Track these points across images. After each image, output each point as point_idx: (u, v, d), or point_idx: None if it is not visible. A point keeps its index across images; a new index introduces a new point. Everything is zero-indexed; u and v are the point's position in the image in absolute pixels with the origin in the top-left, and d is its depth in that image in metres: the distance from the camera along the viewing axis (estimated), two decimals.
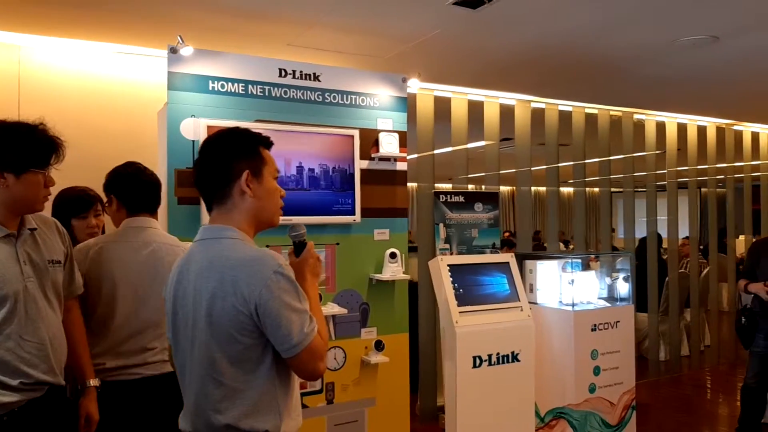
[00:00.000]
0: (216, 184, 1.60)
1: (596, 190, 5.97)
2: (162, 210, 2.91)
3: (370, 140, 3.22)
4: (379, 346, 3.17)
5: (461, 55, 3.96)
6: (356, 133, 3.12)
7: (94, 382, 2.06)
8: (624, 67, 4.30)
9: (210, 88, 2.87)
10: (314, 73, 3.11)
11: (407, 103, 3.41)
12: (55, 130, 1.94)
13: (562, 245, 8.26)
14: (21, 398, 1.77)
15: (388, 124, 3.29)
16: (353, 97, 3.20)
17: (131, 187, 2.35)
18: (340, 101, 3.17)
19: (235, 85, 2.92)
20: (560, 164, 5.48)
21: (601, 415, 3.73)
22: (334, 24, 3.31)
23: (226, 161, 1.59)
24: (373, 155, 3.22)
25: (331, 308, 3.02)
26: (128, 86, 3.59)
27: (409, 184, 3.47)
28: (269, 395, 1.53)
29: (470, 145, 4.95)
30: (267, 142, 1.66)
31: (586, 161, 5.65)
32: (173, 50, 2.74)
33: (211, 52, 2.87)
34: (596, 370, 3.73)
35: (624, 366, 3.84)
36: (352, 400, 3.16)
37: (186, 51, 2.73)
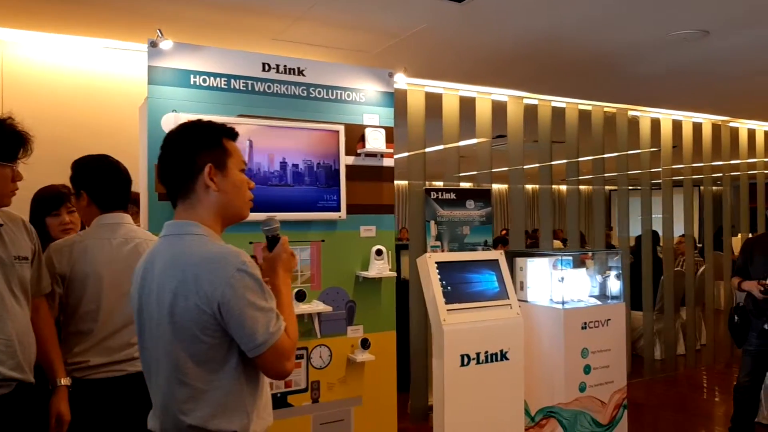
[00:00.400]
0: (179, 179, 1.55)
1: (590, 188, 5.92)
2: (142, 206, 2.89)
3: (356, 136, 3.18)
4: (365, 344, 3.13)
5: (450, 50, 3.92)
6: (341, 129, 3.08)
7: (64, 381, 2.03)
8: (616, 63, 4.27)
9: (191, 83, 2.82)
10: (299, 68, 3.06)
11: (397, 100, 3.37)
12: (24, 124, 1.90)
13: (560, 243, 8.21)
14: None
15: (374, 119, 3.24)
16: (338, 92, 3.16)
17: (107, 183, 2.31)
18: (325, 96, 3.13)
19: (218, 79, 2.88)
20: (554, 162, 5.44)
21: (591, 414, 3.69)
22: (320, 18, 3.27)
23: (188, 155, 1.54)
24: (359, 151, 3.18)
25: (316, 306, 2.98)
26: (111, 81, 3.56)
27: (400, 182, 3.44)
28: (236, 395, 1.49)
29: (462, 143, 4.91)
30: (231, 133, 1.62)
31: (580, 159, 5.61)
32: (153, 44, 2.70)
33: (193, 46, 2.83)
34: (586, 369, 3.69)
35: (615, 365, 3.81)
36: (338, 398, 3.11)
37: (165, 45, 2.69)
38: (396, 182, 6.09)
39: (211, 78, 2.87)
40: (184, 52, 2.80)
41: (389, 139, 3.25)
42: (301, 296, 2.93)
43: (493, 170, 5.12)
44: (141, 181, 2.88)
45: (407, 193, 4.92)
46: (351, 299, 3.16)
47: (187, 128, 1.60)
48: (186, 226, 1.53)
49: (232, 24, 3.32)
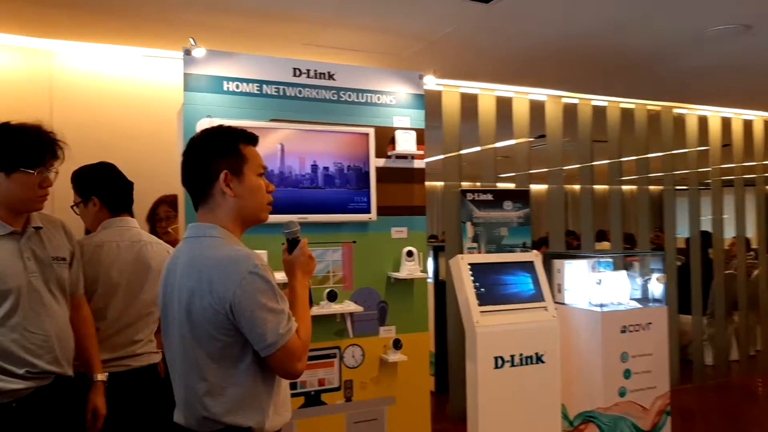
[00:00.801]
0: (197, 185, 1.62)
1: (634, 188, 5.77)
2: (180, 209, 3.00)
3: (386, 138, 3.20)
4: (397, 344, 3.14)
5: (481, 51, 3.90)
6: (371, 131, 3.10)
7: (101, 376, 2.12)
8: (655, 60, 4.15)
9: (225, 89, 2.90)
10: (329, 72, 3.11)
11: (432, 101, 3.38)
12: (59, 129, 1.99)
13: (608, 244, 8.02)
14: (28, 386, 1.85)
15: (404, 121, 3.26)
16: (368, 95, 3.19)
17: (116, 188, 2.49)
18: (355, 99, 3.16)
19: (250, 85, 2.95)
20: (595, 162, 5.33)
21: (632, 419, 3.60)
22: (348, 23, 3.32)
23: (205, 162, 1.59)
24: (389, 153, 3.20)
25: (348, 306, 3.01)
26: (151, 88, 3.71)
27: (435, 183, 3.45)
28: (252, 392, 1.53)
29: (499, 144, 4.87)
30: (249, 138, 1.66)
31: (623, 159, 5.47)
32: (187, 52, 2.79)
33: (225, 53, 2.91)
34: (627, 374, 3.60)
35: (657, 370, 3.70)
36: (371, 398, 3.13)
37: (198, 52, 2.78)
38: (433, 183, 6.11)
39: (244, 84, 2.94)
40: (217, 59, 2.89)
41: (420, 140, 3.26)
42: (332, 296, 2.97)
43: (531, 171, 5.06)
44: (180, 185, 2.98)
45: (442, 194, 4.90)
46: (383, 300, 3.18)
47: (204, 136, 1.66)
48: (204, 229, 1.58)
49: (263, 31, 3.40)
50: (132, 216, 2.57)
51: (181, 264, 1.58)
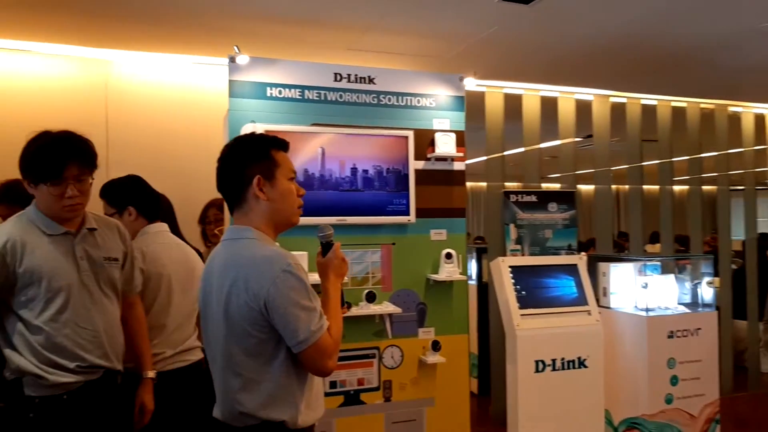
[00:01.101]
0: (232, 189, 1.68)
1: (686, 188, 5.59)
2: (226, 211, 3.10)
3: (426, 141, 3.22)
4: (435, 346, 3.15)
5: (523, 52, 3.87)
6: (410, 134, 3.13)
7: (150, 373, 2.22)
8: (706, 57, 4.03)
9: (268, 95, 2.98)
10: (369, 76, 3.15)
11: (475, 103, 3.37)
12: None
13: (660, 247, 7.79)
14: (78, 379, 1.95)
15: (444, 124, 3.27)
16: (408, 98, 3.21)
17: (149, 197, 2.65)
18: (395, 103, 3.19)
19: (292, 90, 3.02)
20: (645, 163, 5.20)
21: (679, 427, 3.51)
22: (390, 27, 3.35)
23: (239, 168, 1.66)
24: (429, 155, 3.21)
25: (386, 307, 3.05)
26: (200, 94, 3.87)
27: (480, 184, 3.45)
28: (285, 387, 1.58)
29: (544, 145, 4.82)
30: (281, 144, 1.71)
31: (674, 159, 5.32)
32: (232, 59, 2.88)
33: (269, 60, 2.99)
34: (673, 380, 3.51)
35: (706, 376, 3.59)
36: (410, 399, 3.16)
37: (242, 60, 2.87)
38: (478, 184, 6.03)
39: (286, 89, 3.02)
40: (261, 66, 2.97)
41: (460, 142, 3.26)
42: (371, 297, 3.01)
43: (578, 172, 4.98)
44: None
45: (486, 196, 4.88)
46: (422, 301, 3.20)
47: (238, 142, 1.73)
48: (241, 231, 1.65)
49: (306, 37, 3.48)
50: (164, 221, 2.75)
51: (218, 265, 1.65)
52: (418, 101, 3.24)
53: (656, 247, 6.96)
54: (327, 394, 3.00)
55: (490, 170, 4.69)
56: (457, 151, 3.23)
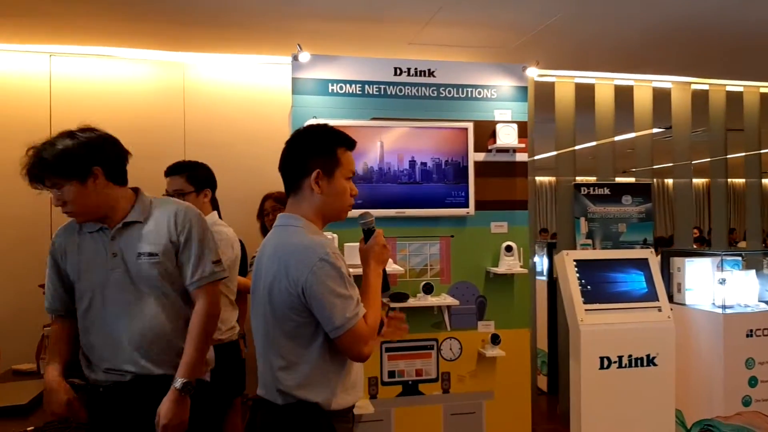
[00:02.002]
0: (291, 175, 1.73)
1: None
2: None
3: (487, 132, 3.20)
4: (495, 339, 3.14)
5: (589, 39, 3.74)
6: (470, 126, 3.13)
7: (178, 383, 1.87)
8: None
9: (330, 91, 3.07)
10: (429, 70, 3.17)
11: (545, 93, 3.30)
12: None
13: (744, 243, 7.33)
14: (108, 379, 1.91)
15: (506, 115, 3.24)
16: (468, 90, 3.21)
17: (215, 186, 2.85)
18: (455, 95, 3.20)
19: (353, 86, 3.10)
20: (730, 156, 4.90)
21: (757, 431, 3.31)
22: (449, 20, 3.35)
23: (302, 157, 1.71)
24: (490, 147, 3.20)
25: (444, 299, 3.07)
26: (267, 93, 4.03)
27: (548, 178, 3.39)
28: (322, 370, 1.65)
29: (618, 138, 4.64)
30: (349, 143, 1.75)
31: (764, 151, 4.98)
32: (295, 57, 2.99)
33: (330, 57, 3.07)
34: (752, 381, 3.32)
35: None
36: (469, 391, 3.17)
37: (304, 57, 2.97)
38: (547, 178, 5.86)
39: (347, 85, 3.09)
40: (323, 63, 3.06)
41: (523, 133, 3.22)
42: (428, 289, 3.04)
43: (657, 165, 4.77)
44: None
45: (556, 190, 4.77)
46: (481, 294, 3.20)
47: (307, 131, 1.77)
48: (289, 219, 1.73)
49: (367, 33, 3.53)
50: None
51: (268, 250, 1.74)
52: (479, 93, 3.23)
53: (741, 243, 6.55)
54: (385, 384, 3.07)
55: (560, 163, 4.58)
56: (519, 142, 3.20)
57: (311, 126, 1.81)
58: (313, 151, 1.72)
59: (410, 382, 3.11)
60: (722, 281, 3.38)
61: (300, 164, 1.71)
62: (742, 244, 5.92)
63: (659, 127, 4.92)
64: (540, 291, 5.04)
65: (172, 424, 1.84)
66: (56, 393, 1.89)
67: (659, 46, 3.89)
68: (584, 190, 4.51)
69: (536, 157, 4.65)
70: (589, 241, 4.49)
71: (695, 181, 5.02)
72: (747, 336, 3.31)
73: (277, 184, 3.03)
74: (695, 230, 7.92)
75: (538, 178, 10.62)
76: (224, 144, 3.93)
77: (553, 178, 6.70)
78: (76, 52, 3.86)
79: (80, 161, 1.83)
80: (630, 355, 3.17)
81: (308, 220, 1.72)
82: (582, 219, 4.47)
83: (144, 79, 3.96)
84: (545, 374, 5.21)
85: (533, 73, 3.26)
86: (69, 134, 1.86)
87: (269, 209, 3.45)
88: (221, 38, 3.68)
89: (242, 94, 4.04)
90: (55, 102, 3.85)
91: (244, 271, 3.14)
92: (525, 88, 3.29)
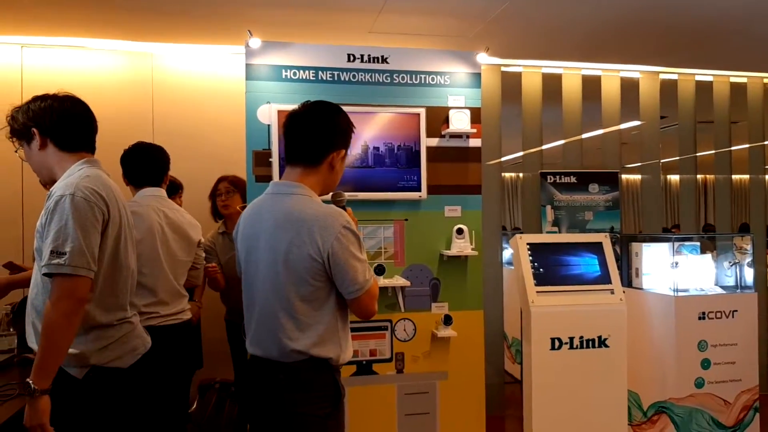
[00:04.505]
0: (314, 149, 1.84)
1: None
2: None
3: (441, 118, 3.26)
4: (447, 320, 3.19)
5: (547, 26, 3.77)
6: (422, 111, 3.18)
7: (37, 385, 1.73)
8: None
9: (283, 76, 3.13)
10: (382, 56, 3.23)
11: (513, 84, 3.31)
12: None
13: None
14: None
15: (459, 101, 3.29)
16: (422, 76, 3.26)
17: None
18: (408, 81, 3.25)
19: (306, 72, 3.16)
20: (733, 148, 4.91)
21: (711, 413, 3.36)
22: (398, 8, 3.41)
23: (331, 134, 1.85)
24: (443, 132, 3.26)
25: (396, 280, 3.13)
26: (234, 82, 4.08)
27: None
28: (332, 330, 1.81)
29: (585, 135, 4.69)
30: (354, 128, 1.95)
31: (766, 143, 5.00)
32: (248, 45, 3.06)
33: (284, 44, 3.14)
34: (705, 364, 3.37)
35: (743, 361, 3.42)
36: (423, 371, 3.22)
37: (254, 43, 3.03)
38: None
39: (301, 71, 3.15)
40: (276, 49, 3.12)
41: (476, 119, 3.27)
42: (380, 270, 3.10)
43: (662, 160, 4.80)
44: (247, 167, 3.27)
45: (522, 181, 4.82)
46: (435, 277, 3.25)
47: (339, 109, 1.92)
48: (293, 187, 1.83)
49: (327, 21, 3.61)
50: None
51: (270, 218, 1.81)
52: (433, 79, 3.28)
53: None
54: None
55: (527, 159, 4.63)
56: (472, 127, 3.25)
57: (331, 104, 1.93)
58: (341, 130, 1.89)
59: (364, 362, 3.16)
60: (674, 265, 3.42)
61: (329, 139, 1.85)
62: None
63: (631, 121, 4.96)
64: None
65: (28, 425, 1.71)
66: None
67: (622, 32, 3.90)
68: (550, 179, 4.57)
69: (504, 159, 4.69)
70: (555, 229, 4.55)
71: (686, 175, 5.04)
72: (699, 318, 3.36)
73: (240, 170, 3.07)
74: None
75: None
76: (192, 132, 4.01)
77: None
78: (47, 43, 3.94)
79: (23, 123, 1.94)
80: (581, 337, 3.23)
81: (312, 189, 1.85)
82: (548, 207, 4.53)
83: (114, 69, 4.04)
84: (519, 363, 5.26)
85: (484, 59, 3.32)
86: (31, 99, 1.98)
87: (223, 191, 3.53)
88: (186, 28, 3.76)
89: (208, 83, 4.12)
90: (27, 93, 3.89)
91: None
92: (478, 75, 3.34)
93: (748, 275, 3.54)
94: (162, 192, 2.97)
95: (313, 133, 1.84)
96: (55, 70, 3.97)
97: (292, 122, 1.86)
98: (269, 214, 1.82)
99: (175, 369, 2.85)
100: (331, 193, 2.03)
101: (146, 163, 2.93)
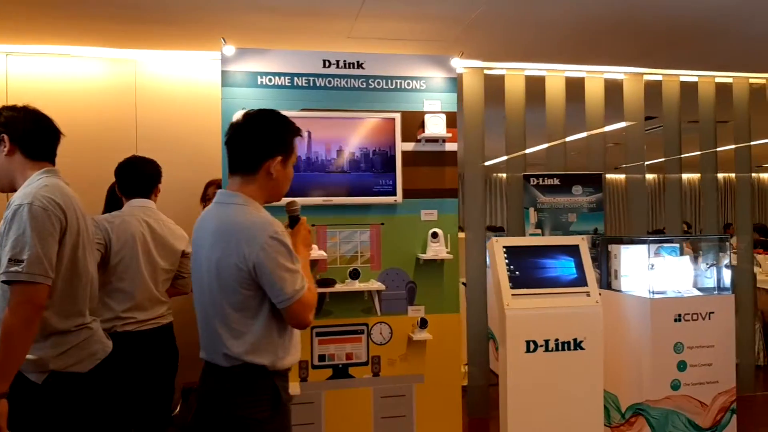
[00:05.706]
0: (249, 158, 1.86)
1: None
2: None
3: (417, 123, 3.28)
4: (423, 324, 3.22)
5: (526, 28, 3.78)
6: (398, 116, 3.20)
7: None
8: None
9: (259, 83, 3.16)
10: (358, 62, 3.26)
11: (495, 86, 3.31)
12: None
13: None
14: None
15: (435, 105, 3.32)
16: (397, 81, 3.29)
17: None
18: (384, 86, 3.28)
19: (282, 78, 3.19)
20: (720, 149, 4.93)
21: (687, 415, 3.37)
22: (377, 13, 3.43)
23: (264, 142, 1.85)
24: (419, 137, 3.28)
25: (372, 284, 3.15)
26: (215, 88, 4.10)
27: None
28: (267, 338, 1.81)
29: (569, 139, 4.70)
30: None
31: (753, 143, 5.01)
32: (222, 52, 3.09)
33: (259, 50, 3.17)
34: (681, 366, 3.38)
35: (720, 363, 3.43)
36: (399, 374, 3.25)
37: (228, 50, 3.07)
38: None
39: (276, 77, 3.19)
40: (252, 55, 3.15)
41: (452, 124, 3.30)
42: (355, 275, 3.12)
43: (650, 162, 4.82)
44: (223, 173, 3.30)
45: (506, 184, 4.84)
46: (411, 280, 3.28)
47: (268, 116, 1.90)
48: (232, 197, 1.86)
49: (305, 27, 3.63)
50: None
51: (210, 227, 1.85)
52: (408, 84, 3.31)
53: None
54: (315, 367, 3.16)
55: (510, 162, 4.64)
56: (448, 132, 3.28)
57: (268, 112, 1.93)
58: (276, 138, 1.87)
59: (340, 366, 3.20)
60: (651, 267, 3.43)
61: (262, 148, 1.85)
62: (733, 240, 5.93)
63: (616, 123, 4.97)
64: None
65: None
66: None
67: (601, 32, 3.90)
68: (534, 181, 4.58)
69: (489, 163, 4.72)
70: (539, 231, 4.56)
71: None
72: (675, 321, 3.37)
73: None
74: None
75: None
76: (175, 138, 4.05)
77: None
78: (32, 51, 3.99)
79: None
80: (557, 339, 3.24)
81: (253, 198, 1.85)
82: (531, 209, 4.55)
83: (97, 76, 4.08)
84: None
85: (458, 64, 3.34)
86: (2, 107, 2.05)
87: (211, 195, 3.56)
88: (168, 35, 3.79)
89: (191, 89, 4.16)
90: (11, 101, 3.88)
91: None
92: (454, 79, 3.37)
93: (726, 277, 3.55)
94: (149, 203, 3.04)
95: (246, 142, 1.85)
96: (39, 77, 4.01)
97: (230, 132, 1.89)
98: (210, 223, 1.86)
99: (152, 373, 2.89)
100: (285, 203, 2.05)
101: (135, 176, 3.02)
